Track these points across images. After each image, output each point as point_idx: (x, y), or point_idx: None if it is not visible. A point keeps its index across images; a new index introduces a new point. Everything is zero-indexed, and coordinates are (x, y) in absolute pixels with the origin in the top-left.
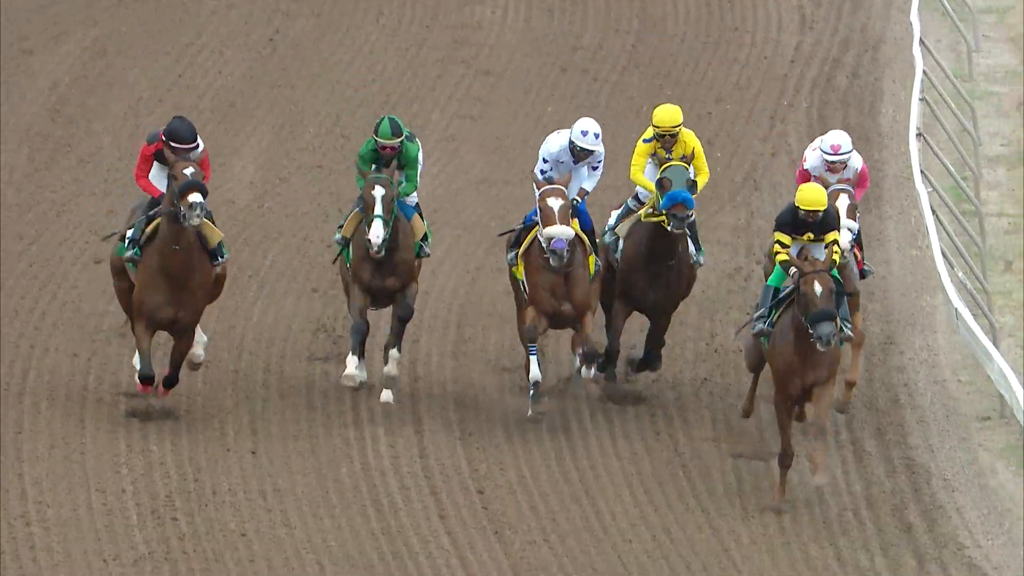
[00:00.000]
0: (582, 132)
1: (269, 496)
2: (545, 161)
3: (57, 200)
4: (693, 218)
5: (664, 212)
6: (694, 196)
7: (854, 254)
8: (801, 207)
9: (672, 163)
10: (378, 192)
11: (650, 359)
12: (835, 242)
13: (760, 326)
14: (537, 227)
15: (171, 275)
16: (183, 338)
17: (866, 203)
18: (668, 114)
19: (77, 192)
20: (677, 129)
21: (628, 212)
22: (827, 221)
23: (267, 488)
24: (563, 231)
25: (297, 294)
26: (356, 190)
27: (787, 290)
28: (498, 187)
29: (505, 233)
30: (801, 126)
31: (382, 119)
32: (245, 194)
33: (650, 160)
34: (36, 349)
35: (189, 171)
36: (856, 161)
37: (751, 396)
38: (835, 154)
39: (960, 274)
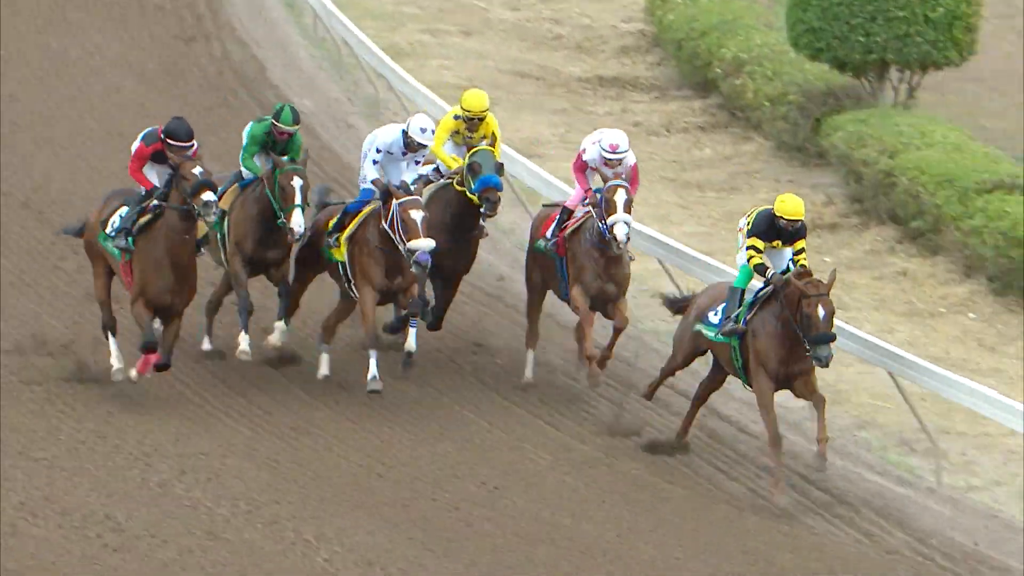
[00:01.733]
0: (421, 129)
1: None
2: (379, 151)
3: None
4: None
5: (477, 195)
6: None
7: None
8: (783, 216)
9: (481, 148)
10: (297, 183)
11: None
12: (803, 250)
13: (731, 326)
14: (367, 211)
15: (176, 263)
16: (173, 323)
17: None
18: (478, 99)
19: None
20: (485, 113)
21: (428, 182)
22: (799, 230)
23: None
24: (427, 244)
25: None
26: None
27: (759, 291)
28: None
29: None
30: None
31: (283, 106)
32: None
33: (451, 139)
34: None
35: (197, 170)
36: (630, 159)
37: (659, 384)
38: (613, 152)
39: None
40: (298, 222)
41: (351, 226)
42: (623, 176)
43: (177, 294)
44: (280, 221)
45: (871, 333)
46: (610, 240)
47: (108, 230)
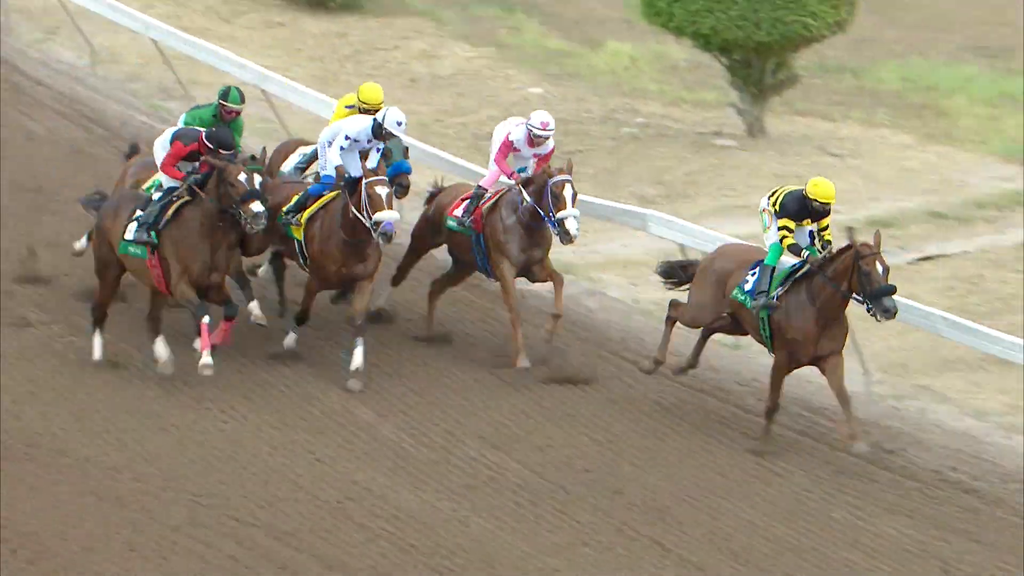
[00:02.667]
0: (397, 122)
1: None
2: (347, 139)
3: None
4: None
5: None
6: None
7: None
8: (817, 199)
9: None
10: (257, 179)
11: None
12: (827, 226)
13: (764, 300)
14: (330, 196)
15: (214, 245)
16: (219, 294)
17: None
18: (374, 92)
19: None
20: (381, 105)
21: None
22: (827, 210)
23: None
24: (392, 215)
25: None
26: None
27: (792, 267)
28: None
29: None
30: None
31: (229, 87)
32: None
33: None
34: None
35: (243, 177)
36: (551, 141)
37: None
38: (544, 129)
39: None
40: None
41: (312, 208)
42: (542, 157)
43: (217, 270)
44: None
45: None
46: (560, 234)
47: (128, 237)
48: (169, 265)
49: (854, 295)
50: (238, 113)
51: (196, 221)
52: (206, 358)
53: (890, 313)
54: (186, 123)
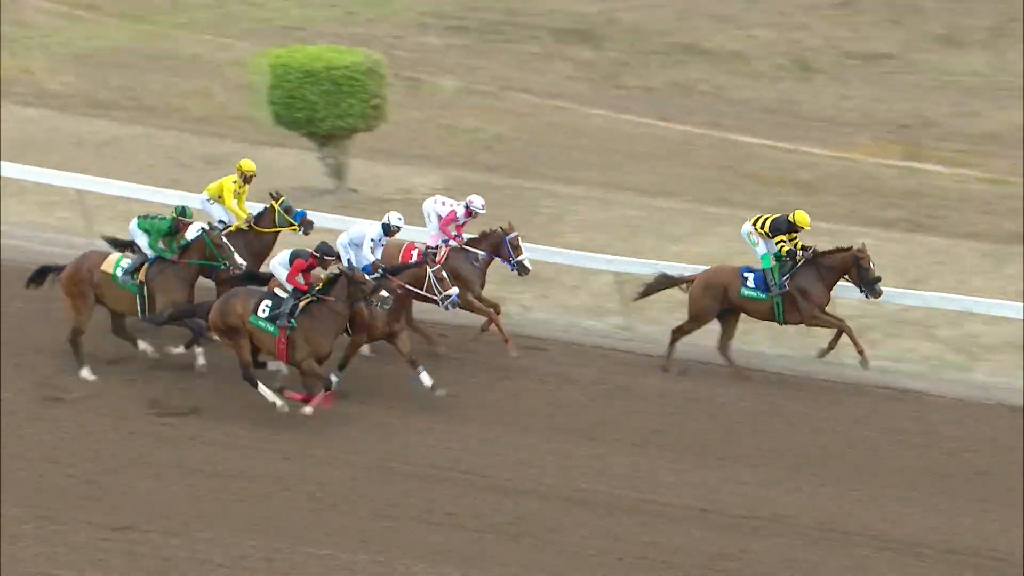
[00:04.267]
0: (399, 218)
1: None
2: (372, 241)
3: None
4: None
5: (299, 223)
6: None
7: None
8: (802, 226)
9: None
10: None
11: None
12: (796, 237)
13: (777, 289)
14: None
15: (337, 331)
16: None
17: None
18: (252, 163)
19: None
20: (254, 172)
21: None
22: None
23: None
24: (455, 291)
25: None
26: None
27: (791, 265)
28: None
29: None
30: None
31: (184, 207)
32: None
33: (235, 195)
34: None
35: (365, 276)
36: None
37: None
38: (482, 209)
39: None
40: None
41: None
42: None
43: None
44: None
45: None
46: (520, 271)
47: (260, 313)
48: (297, 345)
49: (847, 279)
50: (188, 225)
51: (324, 316)
52: (308, 409)
53: (880, 295)
54: (141, 228)
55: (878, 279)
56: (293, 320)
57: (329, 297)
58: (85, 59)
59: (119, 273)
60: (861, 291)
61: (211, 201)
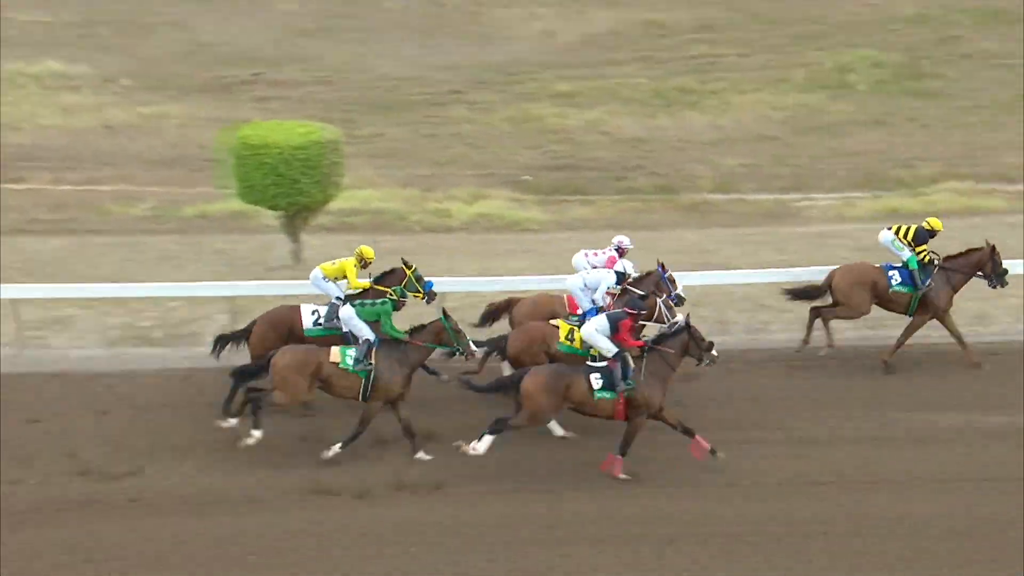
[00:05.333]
0: (632, 264)
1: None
2: (608, 287)
3: None
4: None
5: (426, 293)
6: None
7: None
8: (936, 229)
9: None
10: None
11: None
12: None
13: (923, 287)
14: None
15: (671, 379)
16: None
17: None
18: (372, 251)
19: None
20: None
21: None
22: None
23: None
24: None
25: None
26: None
27: (928, 267)
28: None
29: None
30: None
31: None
32: None
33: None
34: None
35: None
36: None
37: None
38: (631, 246)
39: None
40: None
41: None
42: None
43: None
44: None
45: None
46: (678, 302)
47: (595, 385)
48: (634, 407)
49: (980, 275)
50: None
51: (659, 368)
52: (720, 453)
53: (1007, 283)
54: (364, 316)
55: (1006, 271)
56: (631, 381)
57: (668, 349)
58: None
59: (349, 361)
60: (991, 284)
61: (327, 279)
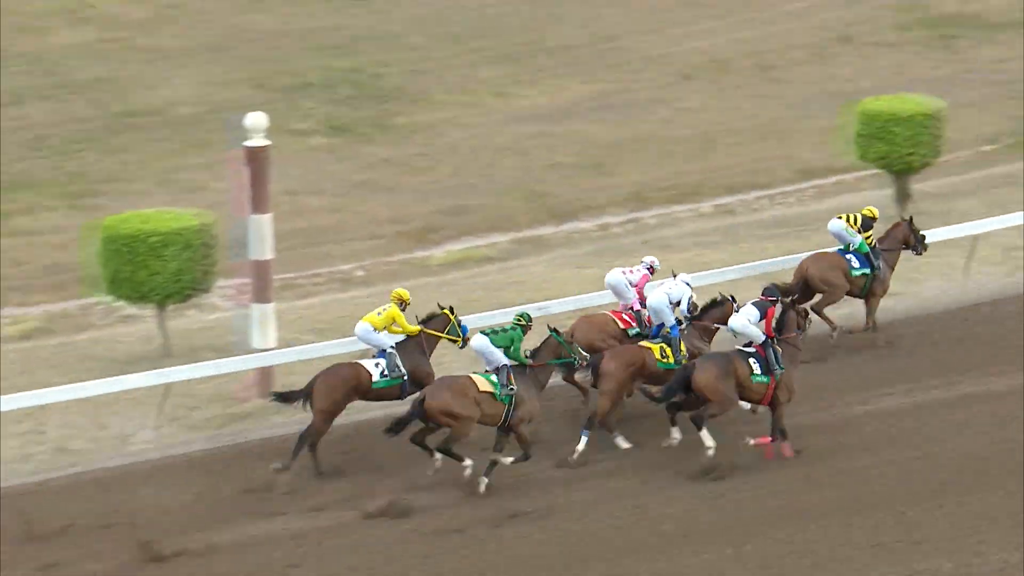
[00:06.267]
0: (687, 283)
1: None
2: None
3: None
4: None
5: (464, 337)
6: None
7: None
8: (876, 217)
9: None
10: None
11: None
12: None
13: (872, 272)
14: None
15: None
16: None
17: None
18: (407, 293)
19: None
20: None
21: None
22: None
23: None
24: None
25: None
26: None
27: (876, 247)
28: None
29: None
30: None
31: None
32: None
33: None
34: None
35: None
36: None
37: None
38: (659, 266)
39: None
40: None
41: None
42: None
43: None
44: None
45: None
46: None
47: (756, 370)
48: (780, 391)
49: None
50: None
51: (791, 354)
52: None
53: (927, 247)
54: (498, 343)
55: (925, 236)
56: (782, 365)
57: (792, 334)
58: None
59: (500, 389)
60: (917, 252)
61: (376, 331)
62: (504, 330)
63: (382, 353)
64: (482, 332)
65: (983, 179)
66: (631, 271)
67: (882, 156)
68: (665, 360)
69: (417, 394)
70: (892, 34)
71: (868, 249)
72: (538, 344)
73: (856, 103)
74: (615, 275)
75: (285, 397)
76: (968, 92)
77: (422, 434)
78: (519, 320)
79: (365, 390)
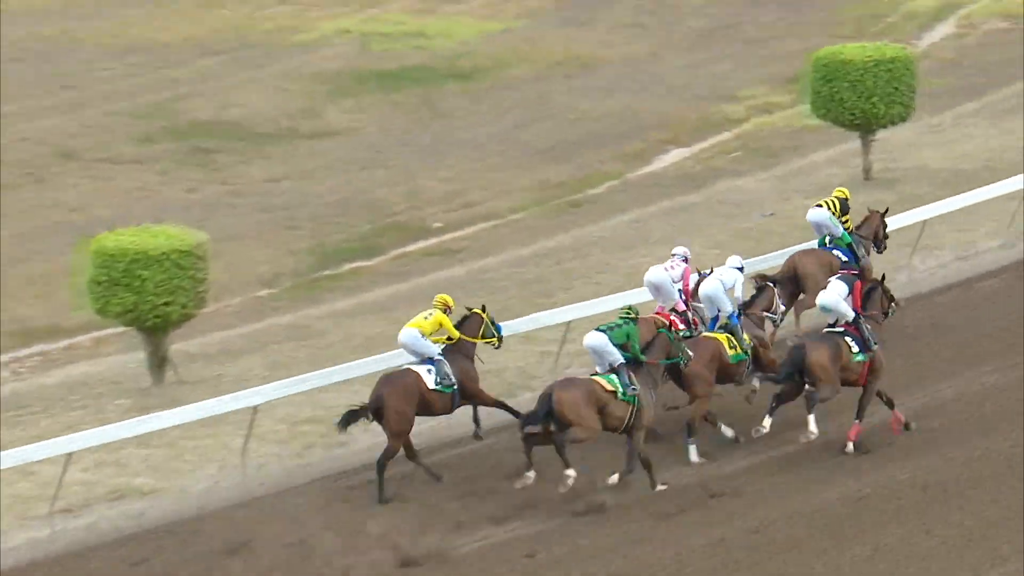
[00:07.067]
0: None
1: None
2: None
3: None
4: None
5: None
6: None
7: None
8: (847, 198)
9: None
10: None
11: None
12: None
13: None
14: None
15: None
16: None
17: None
18: (449, 298)
19: None
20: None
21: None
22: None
23: None
24: None
25: None
26: None
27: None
28: None
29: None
30: None
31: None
32: None
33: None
34: None
35: None
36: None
37: None
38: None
39: None
40: None
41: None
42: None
43: None
44: None
45: None
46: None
47: (854, 348)
48: (875, 373)
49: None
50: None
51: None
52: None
53: (886, 247)
54: (616, 339)
55: (888, 236)
56: (876, 342)
57: (874, 311)
58: None
59: (622, 389)
60: (879, 249)
61: (425, 337)
62: (618, 325)
63: (429, 361)
64: (598, 329)
65: (262, 332)
66: (672, 266)
67: (128, 309)
68: (734, 351)
69: (543, 390)
70: (130, 147)
71: (850, 239)
72: (650, 340)
73: (92, 238)
74: (658, 273)
75: (355, 414)
76: (237, 220)
77: (538, 439)
78: (628, 313)
79: (426, 397)
